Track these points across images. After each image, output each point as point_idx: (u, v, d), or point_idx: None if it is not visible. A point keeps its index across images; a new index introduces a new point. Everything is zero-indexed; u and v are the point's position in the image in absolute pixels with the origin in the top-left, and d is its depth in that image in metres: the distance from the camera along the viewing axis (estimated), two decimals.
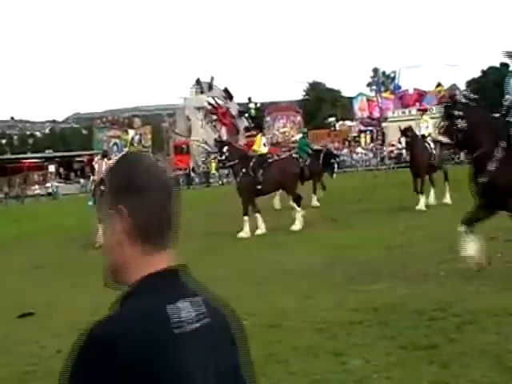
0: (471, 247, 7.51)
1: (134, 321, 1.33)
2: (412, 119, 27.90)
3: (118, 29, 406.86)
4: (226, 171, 31.30)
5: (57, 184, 51.81)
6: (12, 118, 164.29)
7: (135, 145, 65.80)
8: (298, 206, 14.97)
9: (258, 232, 14.52)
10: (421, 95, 51.17)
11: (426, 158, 15.97)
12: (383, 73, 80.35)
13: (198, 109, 56.17)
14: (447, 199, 16.54)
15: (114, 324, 1.33)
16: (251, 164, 14.99)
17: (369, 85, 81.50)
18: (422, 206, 16.05)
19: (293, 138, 54.54)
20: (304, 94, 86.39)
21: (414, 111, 39.95)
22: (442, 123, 7.96)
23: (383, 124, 50.44)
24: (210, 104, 56.09)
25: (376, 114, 54.85)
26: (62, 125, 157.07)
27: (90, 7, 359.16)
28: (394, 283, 8.05)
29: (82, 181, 47.78)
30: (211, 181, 45.93)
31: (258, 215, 14.69)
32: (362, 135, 54.10)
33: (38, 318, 8.30)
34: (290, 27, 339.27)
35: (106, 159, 17.01)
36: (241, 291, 8.56)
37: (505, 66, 72.71)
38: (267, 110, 60.45)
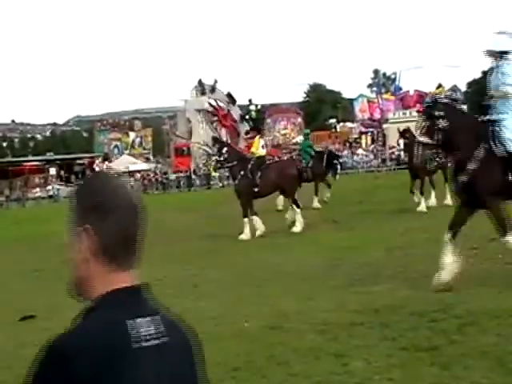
0: (448, 263, 7.50)
1: (95, 335, 1.36)
2: (413, 120, 27.88)
3: (119, 32, 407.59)
4: (227, 173, 31.27)
5: (58, 187, 51.79)
6: (13, 121, 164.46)
7: (136, 147, 65.94)
8: (298, 207, 14.99)
9: (258, 233, 14.52)
10: (421, 96, 51.09)
11: None
12: (384, 74, 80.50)
13: (199, 111, 56.17)
14: (448, 200, 16.53)
15: (74, 338, 1.36)
16: (249, 166, 15.01)
17: (369, 86, 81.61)
18: (422, 207, 16.06)
19: (293, 140, 54.65)
20: (305, 95, 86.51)
21: (414, 113, 39.95)
22: (423, 123, 7.99)
23: (384, 125, 50.42)
24: (211, 105, 56.11)
25: (377, 116, 54.92)
26: (63, 127, 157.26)
27: (91, 10, 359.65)
28: (395, 285, 8.04)
29: None
30: (212, 183, 45.94)
31: (254, 217, 14.69)
32: (363, 137, 54.14)
33: (39, 320, 8.30)
34: (291, 29, 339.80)
35: (106, 162, 17.15)
36: (241, 293, 8.57)
37: None
38: (268, 111, 60.53)
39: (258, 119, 55.02)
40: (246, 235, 14.45)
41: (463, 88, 58.88)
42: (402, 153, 27.49)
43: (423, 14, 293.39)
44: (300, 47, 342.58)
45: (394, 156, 42.82)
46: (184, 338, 1.53)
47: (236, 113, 57.24)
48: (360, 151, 48.13)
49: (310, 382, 5.09)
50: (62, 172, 58.76)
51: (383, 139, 49.53)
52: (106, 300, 1.43)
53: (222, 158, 15.47)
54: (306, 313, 7.13)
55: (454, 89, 51.66)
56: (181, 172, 50.84)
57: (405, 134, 16.99)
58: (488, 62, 8.08)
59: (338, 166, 21.73)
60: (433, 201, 16.74)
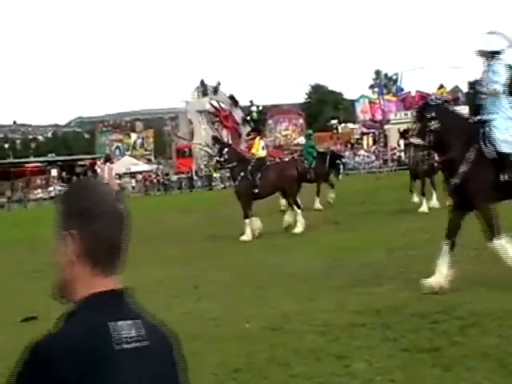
0: (443, 272, 7.49)
1: (78, 337, 1.39)
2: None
3: (120, 33, 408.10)
4: (228, 174, 31.27)
5: (59, 188, 51.74)
6: (14, 123, 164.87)
7: (137, 148, 65.99)
8: (299, 208, 14.97)
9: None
10: (423, 97, 51.06)
11: None
12: (385, 75, 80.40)
13: (200, 112, 56.22)
14: (449, 201, 16.49)
15: (58, 340, 1.39)
16: (249, 167, 15.00)
17: (371, 87, 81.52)
18: (424, 208, 16.06)
19: (295, 141, 54.68)
20: (306, 96, 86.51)
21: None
22: (415, 125, 7.99)
23: (385, 126, 50.42)
24: (212, 106, 56.12)
25: (378, 117, 54.94)
26: (65, 129, 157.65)
27: (93, 11, 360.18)
28: (397, 285, 8.03)
29: None
30: (213, 184, 45.96)
31: (253, 219, 14.66)
32: (365, 138, 54.18)
33: (40, 321, 8.29)
34: (293, 30, 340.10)
35: (108, 163, 17.05)
36: (242, 294, 8.55)
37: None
38: (269, 112, 60.56)
39: (260, 120, 55.08)
40: (247, 236, 14.43)
41: (465, 89, 58.79)
42: (402, 154, 27.45)
43: (425, 14, 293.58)
44: (302, 48, 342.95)
45: (395, 157, 42.82)
46: (165, 342, 1.55)
47: (238, 115, 57.24)
48: (362, 152, 48.11)
49: None
50: (64, 173, 58.83)
51: (385, 140, 49.52)
52: (89, 302, 1.46)
53: (222, 159, 15.49)
54: (307, 314, 7.11)
55: (456, 90, 51.68)
56: (182, 173, 50.89)
57: (405, 134, 16.97)
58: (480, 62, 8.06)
59: (341, 166, 21.71)
60: (434, 202, 16.70)
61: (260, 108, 59.41)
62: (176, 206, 29.62)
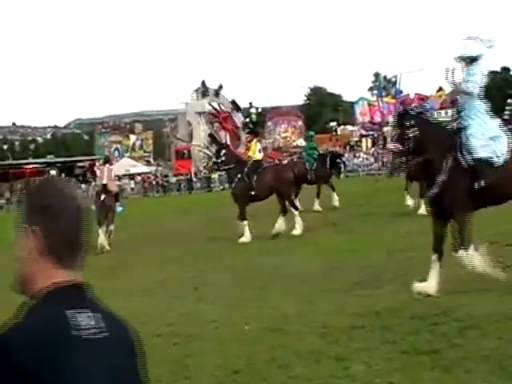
0: (433, 278, 7.52)
1: (36, 328, 1.42)
2: None
3: (120, 34, 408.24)
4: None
5: None
6: (14, 124, 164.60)
7: (136, 150, 65.99)
8: (296, 209, 14.96)
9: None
10: (422, 100, 51.19)
11: None
12: (384, 77, 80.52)
13: (200, 114, 56.24)
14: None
15: (17, 332, 1.42)
16: (246, 170, 14.99)
17: (370, 89, 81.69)
18: (423, 210, 16.03)
19: (294, 143, 54.72)
20: (305, 98, 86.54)
21: None
22: (394, 131, 8.02)
23: (384, 128, 50.34)
24: (212, 107, 56.10)
25: (377, 119, 54.97)
26: (64, 130, 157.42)
27: (92, 12, 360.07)
28: (396, 287, 8.03)
29: (83, 186, 47.82)
30: (212, 186, 45.96)
31: (245, 222, 14.63)
32: (364, 140, 54.22)
33: None
34: (292, 32, 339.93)
35: (107, 164, 17.00)
36: (242, 296, 8.56)
37: (505, 70, 72.96)
38: (268, 114, 60.60)
39: (259, 122, 55.02)
40: (246, 238, 14.44)
41: None
42: None
43: (423, 17, 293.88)
44: (301, 50, 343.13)
45: None
46: (126, 336, 1.59)
47: (239, 119, 57.15)
48: (361, 154, 48.13)
49: None
50: (63, 175, 58.72)
51: (384, 142, 49.45)
52: (50, 294, 1.49)
53: (219, 160, 15.48)
54: (307, 315, 7.12)
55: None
56: (181, 175, 50.91)
57: None
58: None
59: (342, 165, 21.72)
60: None
61: (259, 110, 59.35)
62: (175, 207, 29.63)
